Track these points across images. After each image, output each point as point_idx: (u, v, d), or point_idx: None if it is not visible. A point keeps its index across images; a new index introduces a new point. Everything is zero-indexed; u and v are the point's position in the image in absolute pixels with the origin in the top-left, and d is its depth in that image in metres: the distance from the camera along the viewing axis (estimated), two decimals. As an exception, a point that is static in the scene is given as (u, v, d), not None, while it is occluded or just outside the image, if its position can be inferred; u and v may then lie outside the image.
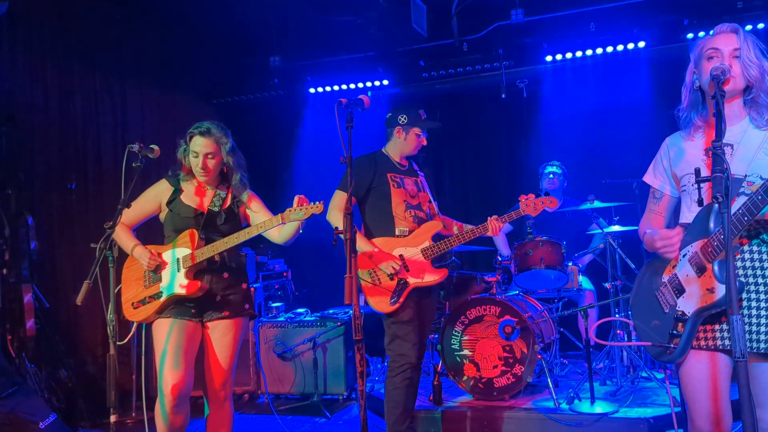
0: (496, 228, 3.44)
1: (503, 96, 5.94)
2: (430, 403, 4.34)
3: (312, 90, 6.79)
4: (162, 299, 3.02)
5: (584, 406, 3.98)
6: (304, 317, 5.19)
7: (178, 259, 3.04)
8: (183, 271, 3.01)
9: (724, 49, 2.14)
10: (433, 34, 5.92)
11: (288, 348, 4.96)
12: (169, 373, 2.90)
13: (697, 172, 1.81)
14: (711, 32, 2.25)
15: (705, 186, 1.91)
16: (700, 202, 1.87)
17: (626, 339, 4.71)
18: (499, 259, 4.88)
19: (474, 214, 6.63)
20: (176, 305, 3.03)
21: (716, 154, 1.70)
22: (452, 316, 4.44)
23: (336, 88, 6.72)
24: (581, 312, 4.32)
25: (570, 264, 4.79)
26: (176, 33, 5.92)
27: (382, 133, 3.73)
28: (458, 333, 4.40)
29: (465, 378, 4.36)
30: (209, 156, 3.08)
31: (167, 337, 2.95)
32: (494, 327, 4.31)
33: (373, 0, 5.42)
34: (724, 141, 2.14)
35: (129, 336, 3.10)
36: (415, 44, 6.11)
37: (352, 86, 6.69)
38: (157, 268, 3.06)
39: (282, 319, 5.19)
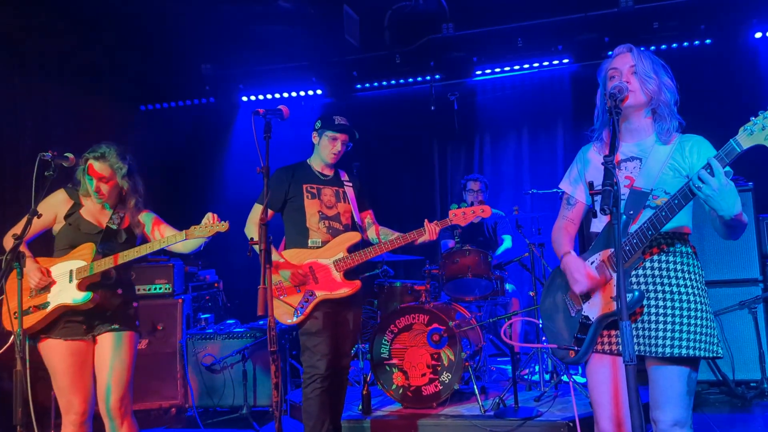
0: (434, 231, 3.41)
1: (432, 108, 6.05)
2: (359, 412, 4.34)
3: (244, 98, 6.75)
4: (48, 309, 2.95)
5: (509, 412, 4.07)
6: (234, 329, 5.11)
7: (71, 270, 2.99)
8: (75, 282, 2.96)
9: (622, 67, 2.27)
10: (366, 45, 5.99)
11: (217, 360, 4.88)
12: (69, 398, 2.89)
13: (590, 185, 1.91)
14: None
15: (599, 198, 2.02)
16: (593, 213, 1.96)
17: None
18: (428, 268, 4.94)
19: (409, 223, 6.67)
20: (66, 324, 2.97)
21: (607, 168, 1.79)
22: (382, 325, 4.47)
23: (269, 96, 6.70)
24: (506, 319, 4.43)
25: (496, 273, 4.90)
26: (103, 36, 5.75)
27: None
28: (387, 342, 4.42)
29: (394, 386, 4.39)
30: (103, 180, 3.07)
31: (60, 361, 2.94)
32: (423, 335, 4.36)
33: (304, 10, 5.44)
34: (634, 155, 2.28)
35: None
36: (348, 55, 6.16)
37: (285, 95, 6.68)
38: (47, 286, 3.00)
39: (211, 330, 5.10)
